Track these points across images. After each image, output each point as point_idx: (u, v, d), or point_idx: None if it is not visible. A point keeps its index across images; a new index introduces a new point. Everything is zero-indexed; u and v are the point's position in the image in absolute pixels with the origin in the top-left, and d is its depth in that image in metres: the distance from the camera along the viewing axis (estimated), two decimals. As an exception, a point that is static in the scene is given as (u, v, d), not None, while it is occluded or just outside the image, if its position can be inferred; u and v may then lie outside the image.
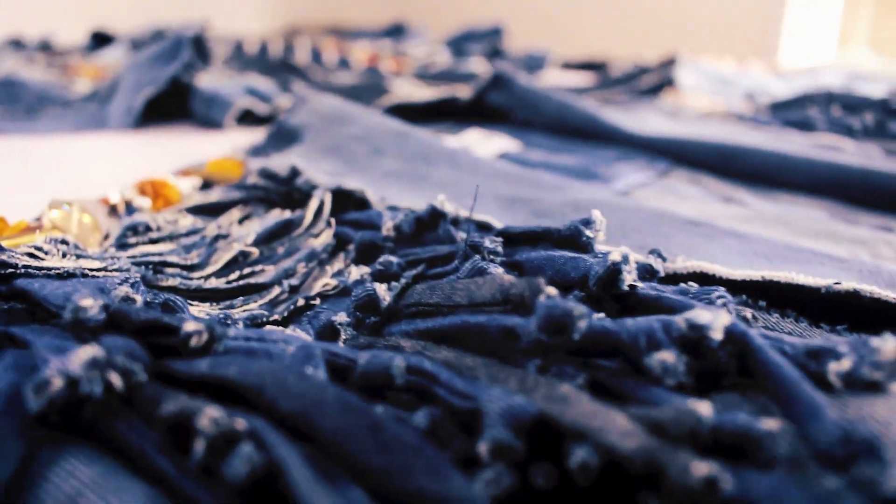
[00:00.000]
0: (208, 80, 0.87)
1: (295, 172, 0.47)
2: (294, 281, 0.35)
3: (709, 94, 1.16)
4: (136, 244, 0.40)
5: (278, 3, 2.41)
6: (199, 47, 0.89)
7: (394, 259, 0.35)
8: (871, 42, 1.92)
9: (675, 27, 2.21)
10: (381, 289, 0.32)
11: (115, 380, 0.20)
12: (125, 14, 1.78)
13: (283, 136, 0.60)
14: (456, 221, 0.40)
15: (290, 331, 0.28)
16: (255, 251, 0.38)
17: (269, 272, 0.36)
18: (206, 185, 0.55)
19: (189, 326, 0.23)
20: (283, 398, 0.20)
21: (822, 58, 2.03)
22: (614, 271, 0.28)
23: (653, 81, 1.13)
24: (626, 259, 0.28)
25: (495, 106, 0.84)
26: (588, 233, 0.33)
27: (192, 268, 0.37)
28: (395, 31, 1.87)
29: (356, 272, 0.34)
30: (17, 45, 1.32)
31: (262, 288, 0.35)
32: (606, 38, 2.28)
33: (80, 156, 0.72)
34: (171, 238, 0.41)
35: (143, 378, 0.21)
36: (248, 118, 0.86)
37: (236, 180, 0.54)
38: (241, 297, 0.34)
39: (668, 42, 2.15)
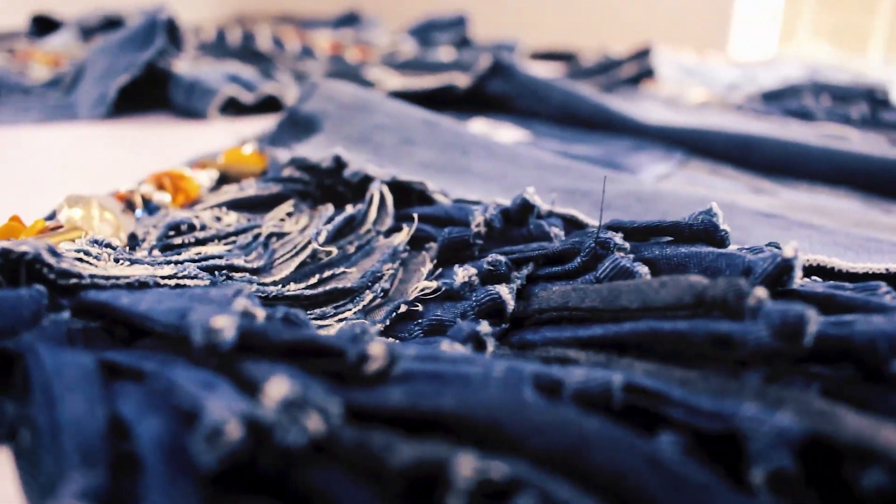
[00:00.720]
0: (183, 67, 0.81)
1: (340, 163, 0.43)
2: (385, 284, 0.31)
3: (686, 84, 1.16)
4: (184, 245, 0.35)
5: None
6: (171, 32, 0.82)
7: (502, 258, 0.31)
8: (814, 33, 1.98)
9: (625, 19, 2.23)
10: (504, 292, 0.28)
11: (315, 424, 0.16)
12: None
13: (299, 125, 0.55)
14: (539, 216, 0.37)
15: (448, 346, 0.24)
16: (333, 251, 0.33)
17: (352, 275, 0.32)
18: (223, 177, 0.50)
19: (374, 349, 0.18)
20: (535, 435, 0.16)
21: (767, 49, 2.09)
22: (785, 268, 0.26)
23: (632, 71, 1.12)
24: (797, 254, 0.26)
25: (495, 94, 0.80)
26: (725, 227, 0.30)
27: (256, 271, 0.33)
28: (349, 21, 1.81)
29: (462, 273, 0.30)
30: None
31: (350, 293, 0.31)
32: (555, 28, 2.28)
33: (51, 147, 0.65)
34: (218, 238, 0.36)
35: (340, 418, 0.17)
36: (228, 107, 0.80)
37: (256, 172, 0.50)
38: (332, 305, 0.30)
39: (618, 34, 2.17)
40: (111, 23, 1.14)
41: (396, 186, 0.41)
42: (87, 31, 1.10)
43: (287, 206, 0.41)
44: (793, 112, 0.80)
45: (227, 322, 0.19)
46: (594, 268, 0.29)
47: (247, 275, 0.31)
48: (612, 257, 0.28)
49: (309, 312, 0.30)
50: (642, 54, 1.21)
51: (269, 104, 0.84)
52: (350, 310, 0.30)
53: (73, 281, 0.25)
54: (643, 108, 0.82)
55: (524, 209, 0.35)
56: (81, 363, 0.19)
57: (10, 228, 0.36)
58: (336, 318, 0.29)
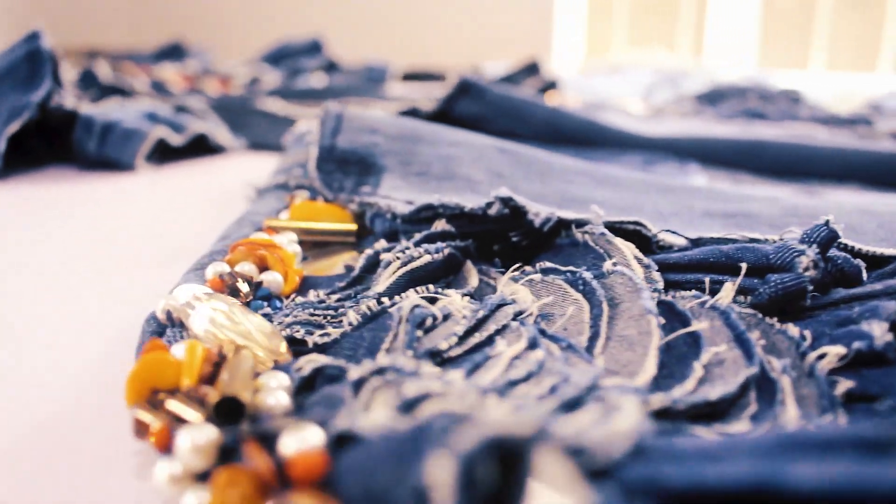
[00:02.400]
0: (90, 107, 0.63)
1: (518, 209, 0.33)
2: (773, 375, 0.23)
3: (583, 94, 1.16)
4: (451, 347, 0.23)
5: (22, 26, 1.94)
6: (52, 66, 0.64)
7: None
8: (630, 41, 2.13)
9: (449, 34, 2.24)
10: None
11: None
12: None
13: (350, 164, 0.43)
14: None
15: None
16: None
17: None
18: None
19: None
20: None
21: (578, 59, 2.21)
22: None
23: (536, 86, 1.10)
24: None
25: (464, 116, 0.72)
26: None
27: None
28: (174, 52, 1.61)
29: (879, 329, 0.23)
30: None
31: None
32: (378, 43, 2.23)
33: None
34: (474, 329, 0.25)
35: None
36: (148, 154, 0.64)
37: (347, 230, 0.38)
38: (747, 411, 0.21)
39: (442, 49, 2.17)
40: None
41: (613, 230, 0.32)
42: None
43: (474, 271, 0.30)
44: (747, 114, 0.81)
45: None
46: None
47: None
48: None
49: (712, 424, 0.21)
50: (531, 69, 1.20)
51: (192, 146, 0.69)
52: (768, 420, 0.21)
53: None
54: (610, 120, 0.79)
55: (830, 242, 0.29)
56: None
57: (156, 364, 0.22)
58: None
